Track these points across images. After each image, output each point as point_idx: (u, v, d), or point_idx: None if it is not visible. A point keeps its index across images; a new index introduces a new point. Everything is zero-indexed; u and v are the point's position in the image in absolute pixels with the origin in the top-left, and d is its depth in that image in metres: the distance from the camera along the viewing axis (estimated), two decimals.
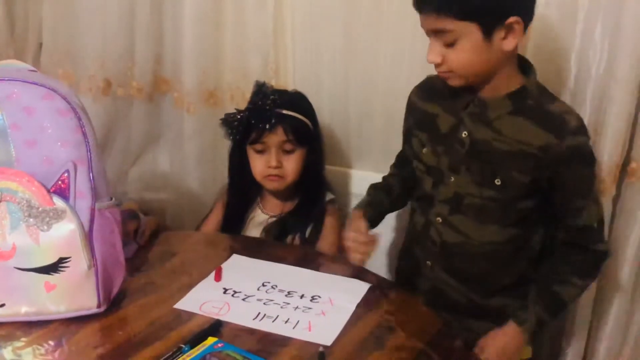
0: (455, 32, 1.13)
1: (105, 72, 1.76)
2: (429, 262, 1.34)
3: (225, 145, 1.56)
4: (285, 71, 1.72)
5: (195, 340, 0.98)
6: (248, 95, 1.64)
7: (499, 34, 1.13)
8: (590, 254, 1.25)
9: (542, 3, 1.37)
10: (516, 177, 1.20)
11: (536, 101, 1.21)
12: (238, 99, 1.73)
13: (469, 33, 1.12)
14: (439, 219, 1.30)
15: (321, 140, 1.56)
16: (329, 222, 1.53)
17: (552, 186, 1.21)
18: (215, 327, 1.03)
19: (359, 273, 1.25)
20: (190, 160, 1.80)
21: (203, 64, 1.71)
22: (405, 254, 1.45)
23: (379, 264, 1.58)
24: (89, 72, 1.76)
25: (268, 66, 1.69)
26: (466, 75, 1.18)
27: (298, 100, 1.51)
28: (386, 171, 1.49)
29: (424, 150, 1.31)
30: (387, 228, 1.61)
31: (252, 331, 1.03)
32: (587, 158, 1.22)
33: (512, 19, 1.12)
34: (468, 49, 1.14)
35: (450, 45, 1.15)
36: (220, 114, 1.72)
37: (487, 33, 1.12)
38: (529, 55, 1.40)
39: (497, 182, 1.22)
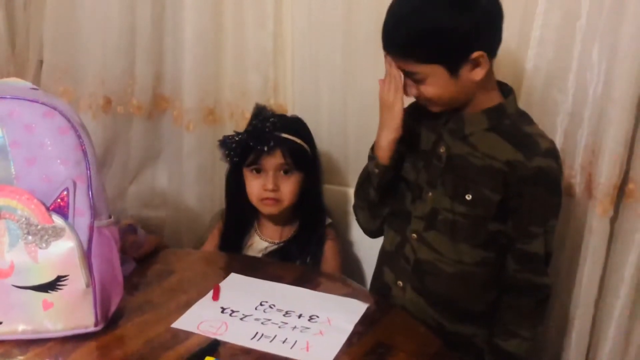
0: (422, 72, 1.18)
1: (106, 90, 1.77)
2: (400, 283, 1.33)
3: (223, 163, 1.55)
4: (285, 89, 1.73)
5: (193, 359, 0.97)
6: (248, 114, 1.65)
7: (465, 69, 1.17)
8: (534, 295, 1.24)
9: (540, 25, 1.38)
10: (487, 194, 1.21)
11: (513, 122, 1.23)
12: (237, 117, 1.74)
13: (435, 73, 1.17)
14: (414, 235, 1.31)
15: (319, 165, 1.56)
16: (329, 247, 1.52)
17: (514, 206, 1.21)
18: (213, 347, 1.02)
19: (357, 293, 1.25)
20: (189, 178, 1.80)
21: (203, 82, 1.72)
22: (376, 276, 1.45)
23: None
24: (89, 89, 1.77)
25: (267, 84, 1.70)
26: (442, 104, 1.23)
27: (297, 125, 1.51)
28: None
29: (405, 164, 1.33)
30: (364, 250, 1.62)
31: (249, 351, 1.02)
32: (552, 184, 1.22)
33: (475, 54, 1.15)
34: (437, 85, 1.19)
35: (420, 82, 1.20)
36: (220, 132, 1.72)
37: (453, 71, 1.17)
38: (527, 77, 1.42)
39: (468, 197, 1.22)
